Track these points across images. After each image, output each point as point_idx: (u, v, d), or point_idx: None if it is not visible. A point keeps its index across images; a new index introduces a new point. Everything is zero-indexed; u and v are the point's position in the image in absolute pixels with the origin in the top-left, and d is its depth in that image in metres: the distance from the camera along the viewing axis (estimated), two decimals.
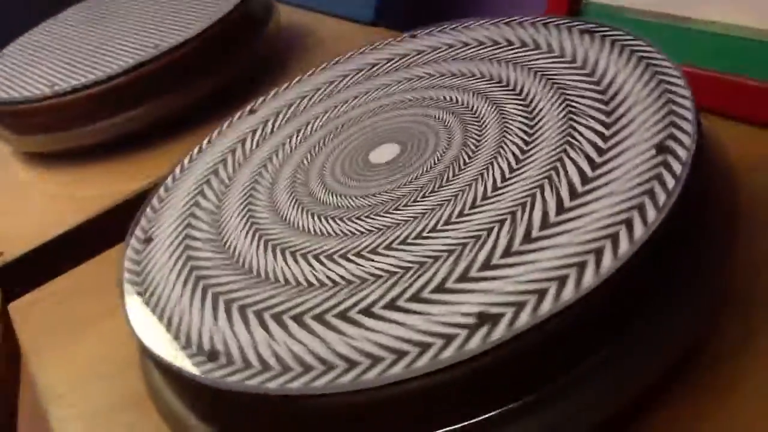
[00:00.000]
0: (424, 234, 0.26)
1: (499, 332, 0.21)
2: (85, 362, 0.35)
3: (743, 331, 0.25)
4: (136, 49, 0.54)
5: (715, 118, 0.34)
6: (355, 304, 0.24)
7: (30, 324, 0.39)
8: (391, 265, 0.25)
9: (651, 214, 0.22)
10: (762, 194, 0.30)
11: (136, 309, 0.29)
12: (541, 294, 0.21)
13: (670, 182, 0.23)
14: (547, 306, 0.21)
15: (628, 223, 0.22)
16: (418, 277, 0.24)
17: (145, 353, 0.27)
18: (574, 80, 0.32)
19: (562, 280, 0.21)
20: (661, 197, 0.23)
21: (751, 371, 0.24)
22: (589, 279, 0.21)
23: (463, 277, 0.23)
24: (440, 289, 0.23)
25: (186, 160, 0.38)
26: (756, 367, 0.24)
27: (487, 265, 0.24)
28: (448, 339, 0.21)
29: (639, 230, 0.22)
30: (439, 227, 0.26)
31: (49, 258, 0.45)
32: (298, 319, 0.25)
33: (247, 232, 0.31)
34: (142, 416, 0.30)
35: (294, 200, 0.32)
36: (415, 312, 0.23)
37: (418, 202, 0.29)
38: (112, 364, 0.34)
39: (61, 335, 0.37)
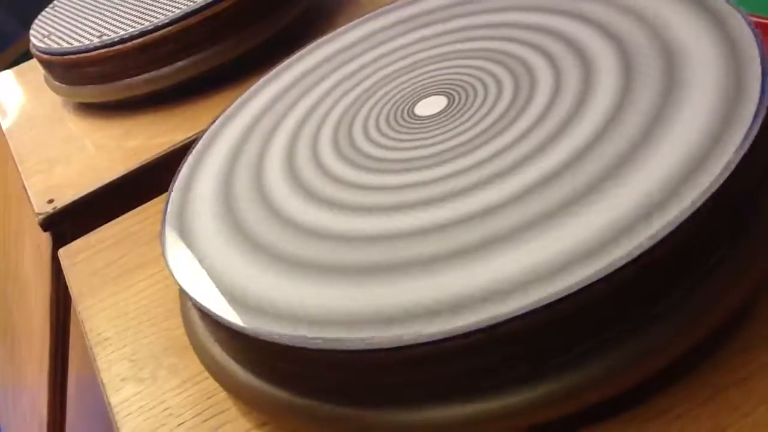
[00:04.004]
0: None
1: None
2: (131, 308, 0.36)
3: None
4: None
5: None
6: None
7: (78, 269, 0.40)
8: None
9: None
10: None
11: (177, 259, 0.29)
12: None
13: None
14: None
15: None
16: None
17: (190, 302, 0.27)
18: (629, 26, 0.31)
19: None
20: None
21: None
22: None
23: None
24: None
25: (228, 111, 0.38)
26: None
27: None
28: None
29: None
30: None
31: (98, 206, 0.46)
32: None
33: (290, 186, 0.31)
34: (184, 359, 0.31)
35: (340, 154, 0.32)
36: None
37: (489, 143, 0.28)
38: (157, 310, 0.35)
39: (107, 281, 0.38)
